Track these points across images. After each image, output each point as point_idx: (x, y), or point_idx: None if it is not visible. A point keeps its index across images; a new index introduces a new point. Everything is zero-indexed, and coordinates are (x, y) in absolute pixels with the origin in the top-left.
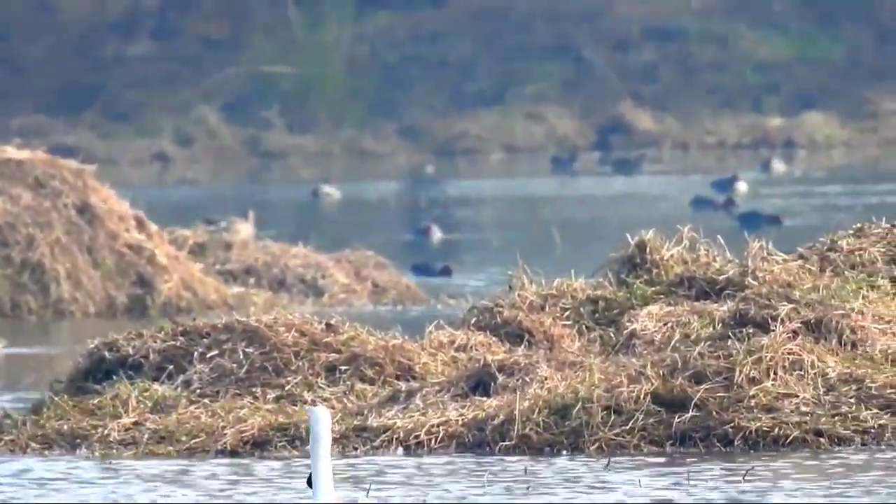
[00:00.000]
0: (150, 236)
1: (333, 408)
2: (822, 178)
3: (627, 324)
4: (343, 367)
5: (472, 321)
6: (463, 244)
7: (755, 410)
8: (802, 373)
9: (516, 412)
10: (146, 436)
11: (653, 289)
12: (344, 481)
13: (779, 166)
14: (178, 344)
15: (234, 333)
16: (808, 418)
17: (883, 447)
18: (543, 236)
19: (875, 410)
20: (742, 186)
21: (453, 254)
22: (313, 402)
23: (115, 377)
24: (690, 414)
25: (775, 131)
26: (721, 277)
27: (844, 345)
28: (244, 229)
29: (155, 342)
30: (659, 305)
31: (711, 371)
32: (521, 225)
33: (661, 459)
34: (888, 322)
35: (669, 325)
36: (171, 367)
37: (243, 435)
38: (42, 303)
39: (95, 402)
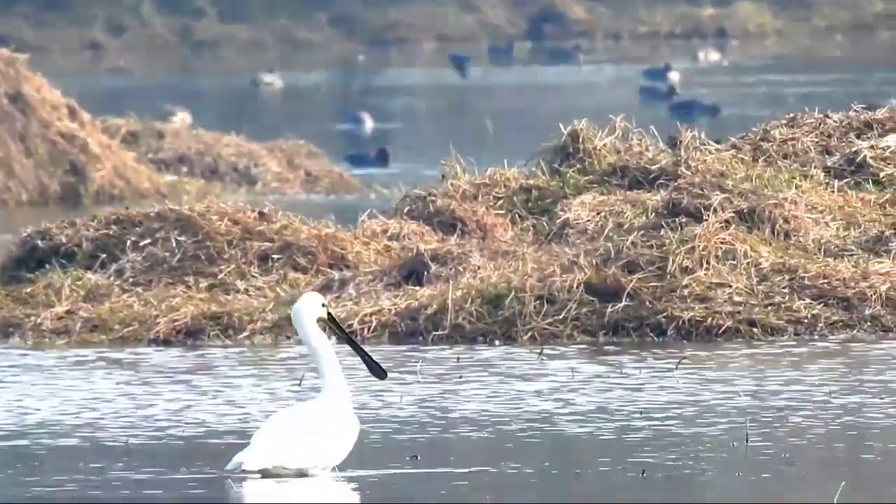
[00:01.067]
0: (82, 125)
1: (266, 297)
2: (755, 68)
3: (560, 213)
4: (276, 256)
5: (405, 210)
6: (395, 133)
7: (688, 300)
8: (735, 263)
9: (449, 302)
10: (79, 325)
11: (586, 178)
12: (276, 371)
13: (709, 55)
14: (111, 233)
15: (166, 222)
16: (741, 308)
17: (816, 337)
18: (476, 126)
19: (808, 300)
20: (674, 76)
21: (386, 143)
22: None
23: (47, 266)
24: (623, 304)
25: (708, 21)
26: (654, 167)
27: (777, 234)
28: (183, 118)
29: (88, 231)
30: (592, 195)
31: (644, 261)
32: (454, 114)
33: (594, 349)
34: (821, 212)
35: (602, 214)
36: (104, 255)
37: (176, 324)
38: None
39: (28, 290)
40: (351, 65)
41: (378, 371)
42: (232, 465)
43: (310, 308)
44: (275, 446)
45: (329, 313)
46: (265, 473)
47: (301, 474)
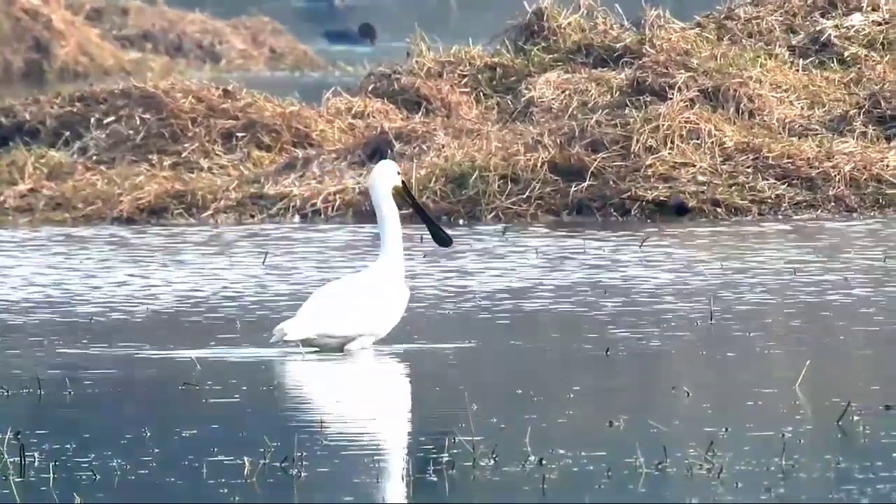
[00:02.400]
0: (46, 1)
1: (229, 175)
2: None
3: (525, 91)
4: (240, 134)
5: (370, 88)
6: (361, 10)
7: (652, 179)
8: (699, 142)
9: (413, 180)
10: (42, 203)
11: (550, 56)
12: (242, 247)
13: None
14: (75, 110)
15: (130, 100)
16: (705, 188)
17: (780, 216)
18: (441, 3)
19: (772, 180)
20: None
21: (353, 20)
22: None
23: (11, 144)
24: (587, 183)
25: None
26: (619, 45)
27: (742, 114)
28: None
29: (51, 108)
30: (557, 73)
31: (608, 140)
32: None
33: (558, 229)
34: (785, 91)
35: (567, 92)
36: (68, 133)
37: (139, 202)
38: None
39: None
40: None
41: (443, 239)
42: (275, 334)
43: (386, 175)
44: (319, 316)
45: (403, 182)
46: (307, 343)
47: (343, 347)
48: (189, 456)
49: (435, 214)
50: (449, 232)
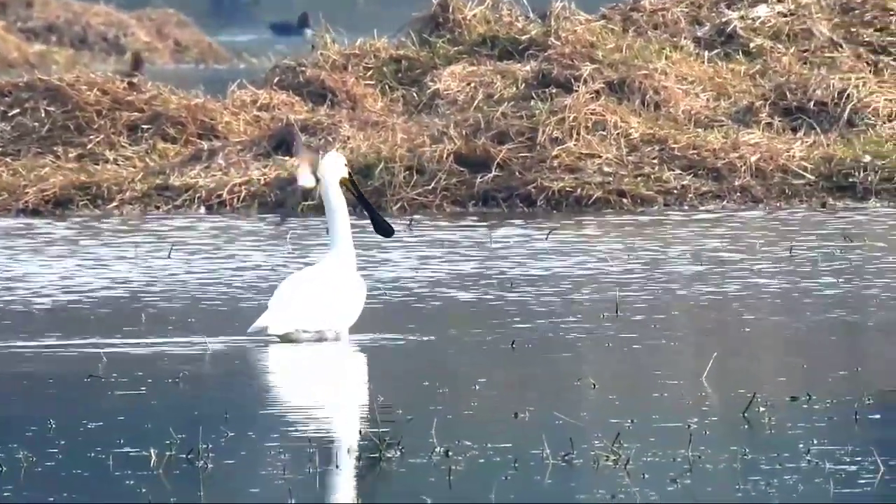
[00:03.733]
0: None
1: (134, 167)
2: None
3: (430, 83)
4: (145, 126)
5: (275, 80)
6: (266, 3)
7: (558, 171)
8: (605, 133)
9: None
10: None
11: (456, 48)
12: (146, 240)
13: None
14: None
15: (35, 92)
16: (610, 179)
17: (685, 207)
18: None
19: (678, 171)
20: None
21: (260, 13)
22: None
23: None
24: (493, 174)
25: None
26: (524, 37)
27: (647, 105)
28: None
29: None
30: (462, 65)
31: (514, 131)
32: None
33: (464, 220)
34: (691, 83)
35: (472, 84)
36: None
37: (45, 194)
38: None
39: None
40: None
41: (386, 229)
42: (254, 328)
43: (333, 167)
44: (298, 311)
45: (350, 174)
46: (285, 338)
47: (319, 338)
48: (95, 448)
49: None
50: (356, 224)
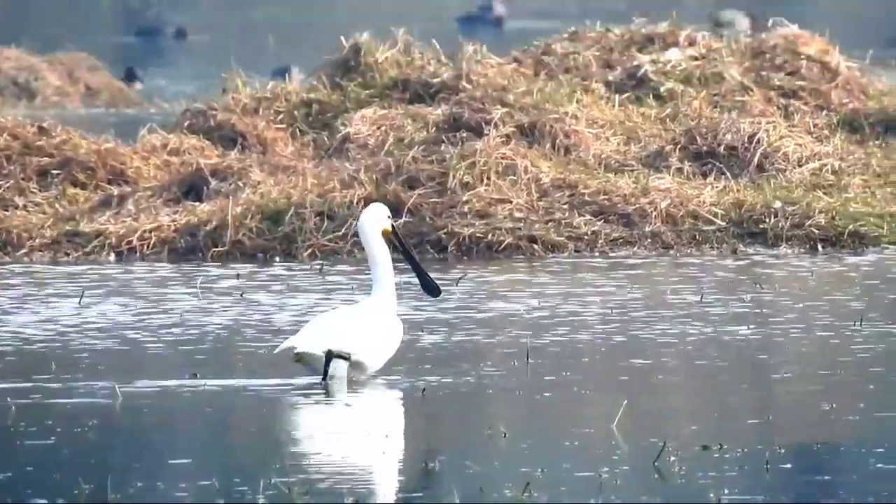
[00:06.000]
0: None
1: (45, 213)
2: None
3: (341, 127)
4: (55, 171)
5: (186, 124)
6: (170, 48)
7: (469, 216)
8: (516, 178)
9: (229, 217)
10: None
11: (367, 92)
12: (56, 290)
13: None
14: None
15: None
16: (521, 224)
17: (596, 253)
18: (258, 39)
19: (588, 217)
20: None
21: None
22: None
23: None
24: (404, 219)
25: None
26: (435, 80)
27: (558, 149)
28: None
29: None
30: (373, 109)
31: (425, 176)
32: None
33: None
34: (602, 127)
35: (383, 128)
36: None
37: None
38: None
39: None
40: None
41: (432, 288)
42: (282, 348)
43: (376, 218)
44: (329, 331)
45: (393, 226)
46: (309, 358)
47: (349, 368)
48: (6, 499)
49: (251, 251)
50: (267, 270)
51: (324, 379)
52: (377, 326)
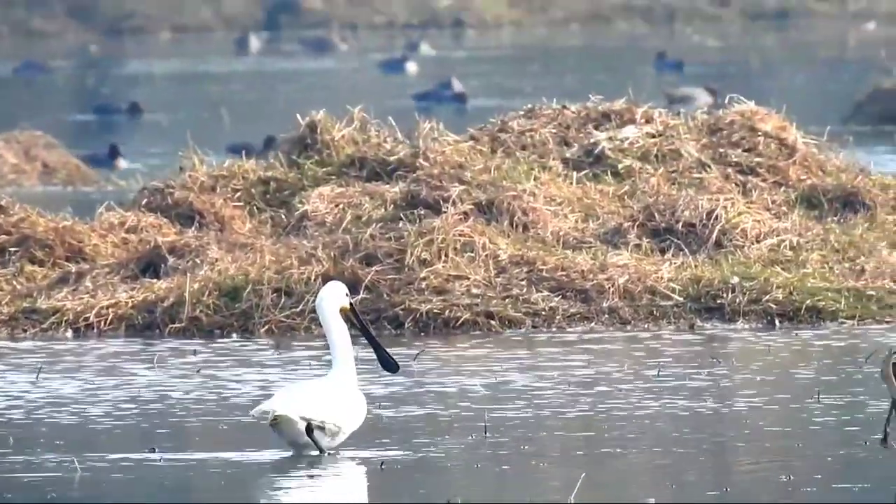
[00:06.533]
0: None
1: (2, 289)
2: (492, 59)
3: (299, 205)
4: (13, 249)
5: (143, 202)
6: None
7: (426, 292)
8: (474, 255)
9: (186, 294)
10: None
11: (324, 169)
12: (13, 366)
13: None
14: None
15: None
16: (479, 300)
17: (554, 329)
18: (214, 116)
19: (546, 293)
20: (412, 67)
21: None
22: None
23: None
24: (361, 296)
25: (445, 11)
26: (392, 158)
27: (516, 226)
28: None
29: None
30: (330, 186)
31: (382, 253)
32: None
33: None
34: (560, 204)
35: (341, 206)
36: None
37: None
38: None
39: None
40: (84, 55)
41: (390, 364)
42: (258, 411)
43: (334, 296)
44: (303, 395)
45: (351, 304)
46: (284, 423)
47: (320, 437)
48: None
49: (208, 328)
50: (223, 346)
51: (322, 452)
52: (344, 396)
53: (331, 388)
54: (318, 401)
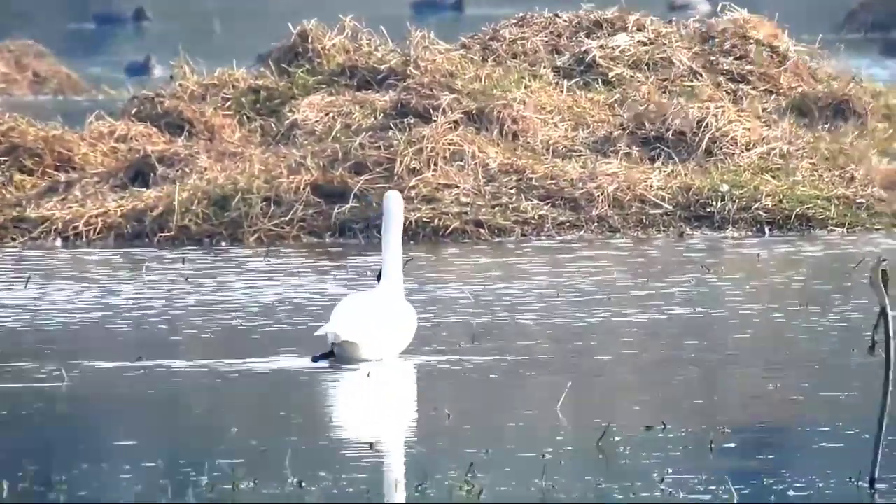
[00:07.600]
0: None
1: None
2: None
3: (289, 114)
4: (2, 158)
5: (133, 111)
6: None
7: (415, 201)
8: (463, 163)
9: (175, 203)
10: None
11: (314, 78)
12: (2, 275)
13: None
14: None
15: None
16: (468, 209)
17: (543, 237)
18: (204, 25)
19: (535, 201)
20: None
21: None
22: None
23: None
24: (350, 205)
25: None
26: (383, 67)
27: (506, 135)
28: None
29: None
30: (321, 95)
31: (372, 162)
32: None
33: (321, 250)
34: (550, 112)
35: (331, 115)
36: None
37: None
38: None
39: None
40: None
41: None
42: (323, 331)
43: (401, 205)
44: (368, 323)
45: None
46: (348, 346)
47: (376, 356)
48: None
49: (197, 236)
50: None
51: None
52: (399, 314)
53: (386, 306)
54: (378, 323)
